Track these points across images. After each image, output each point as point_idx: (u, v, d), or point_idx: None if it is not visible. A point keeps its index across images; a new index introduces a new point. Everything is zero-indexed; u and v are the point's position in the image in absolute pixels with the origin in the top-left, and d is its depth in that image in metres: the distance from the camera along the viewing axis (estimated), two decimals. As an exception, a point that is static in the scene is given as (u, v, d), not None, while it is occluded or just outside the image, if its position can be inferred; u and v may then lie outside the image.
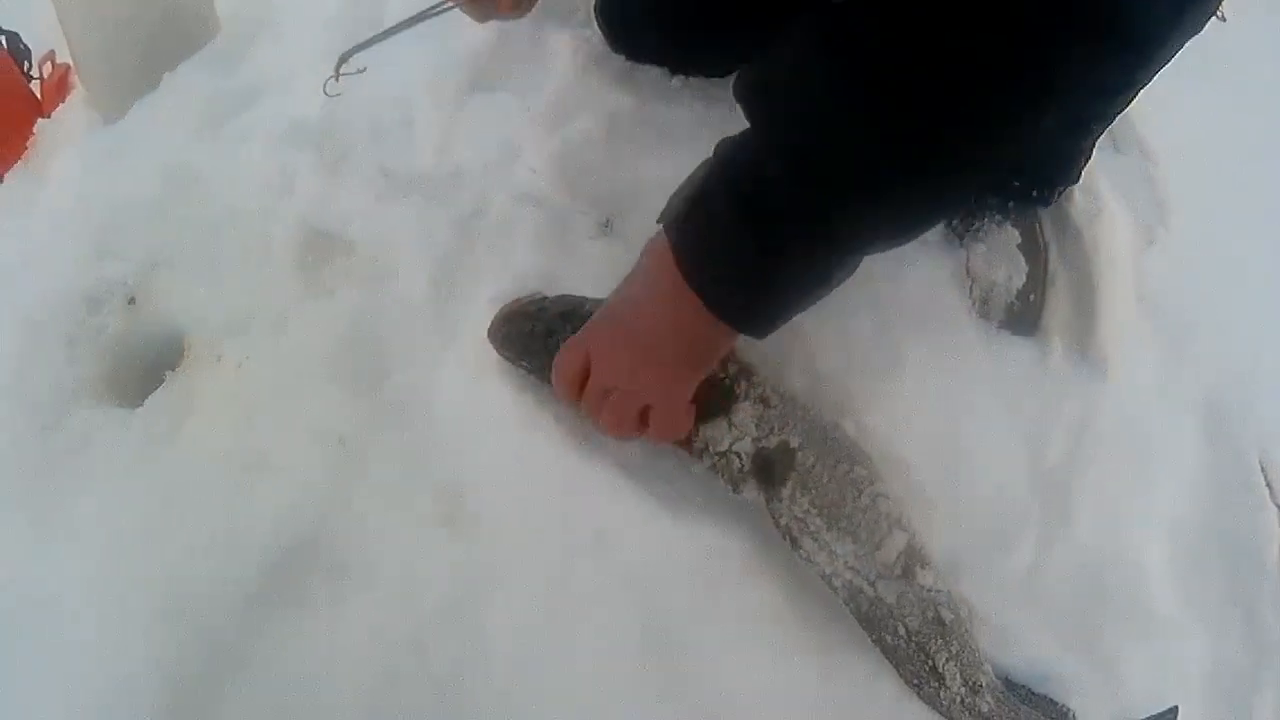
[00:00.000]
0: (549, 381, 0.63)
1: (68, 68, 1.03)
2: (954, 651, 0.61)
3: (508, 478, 0.63)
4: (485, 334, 0.65)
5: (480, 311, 0.66)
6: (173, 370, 0.80)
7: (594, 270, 0.67)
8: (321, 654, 0.66)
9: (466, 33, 0.78)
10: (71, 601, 0.71)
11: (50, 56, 1.04)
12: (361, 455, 0.67)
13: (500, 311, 0.66)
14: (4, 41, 1.02)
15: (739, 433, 0.63)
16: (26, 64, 1.03)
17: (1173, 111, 0.86)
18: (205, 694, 0.66)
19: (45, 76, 1.03)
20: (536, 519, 0.63)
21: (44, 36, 1.04)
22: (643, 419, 0.59)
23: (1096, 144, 0.76)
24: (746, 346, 0.65)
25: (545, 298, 0.66)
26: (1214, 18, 0.61)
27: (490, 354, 0.65)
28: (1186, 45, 0.59)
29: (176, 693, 0.66)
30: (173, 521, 0.72)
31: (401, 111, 0.77)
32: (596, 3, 0.84)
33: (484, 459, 0.64)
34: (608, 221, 0.69)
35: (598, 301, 0.61)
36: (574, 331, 0.61)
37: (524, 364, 0.66)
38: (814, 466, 0.62)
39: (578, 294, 0.65)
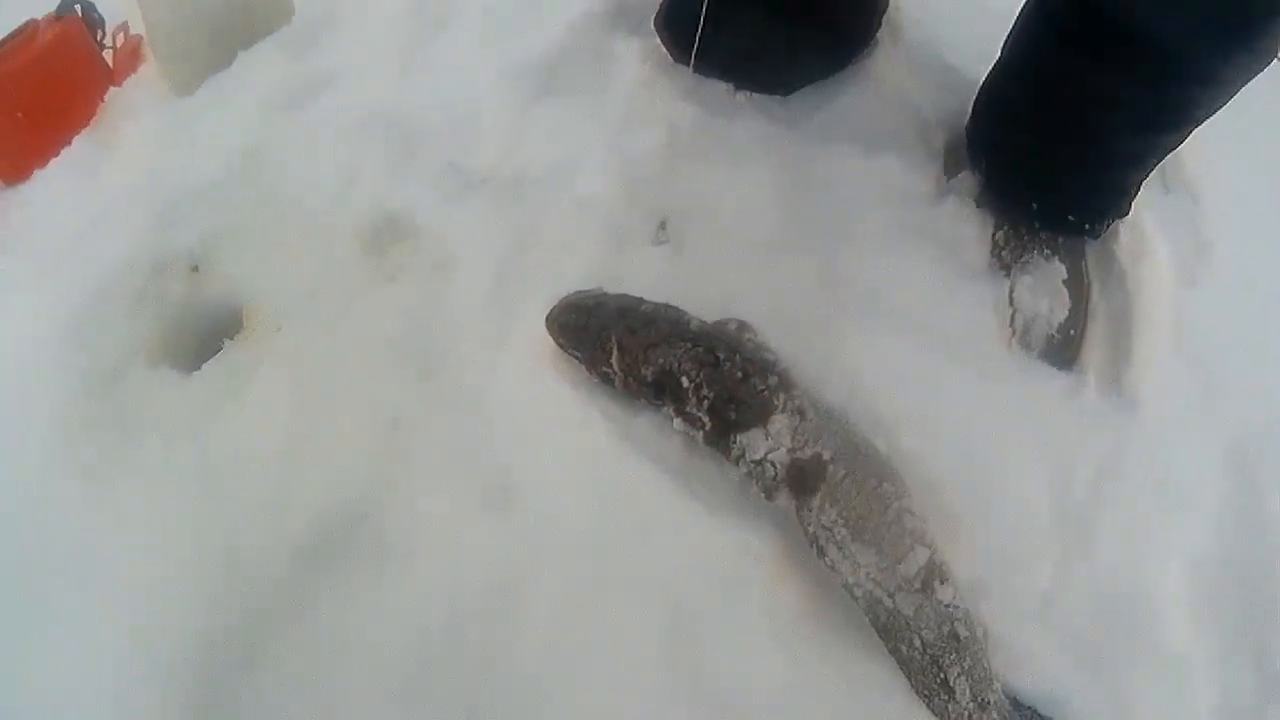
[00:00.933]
0: (599, 373, 0.69)
1: (139, 40, 1.10)
2: (966, 667, 0.66)
3: (554, 469, 0.69)
4: (544, 322, 0.70)
5: (539, 307, 0.71)
6: (231, 339, 0.87)
7: (650, 274, 0.72)
8: (359, 624, 0.72)
9: (537, 38, 0.83)
10: (118, 552, 0.77)
11: (123, 28, 1.11)
12: (413, 436, 0.72)
13: (562, 300, 0.71)
14: (79, 9, 1.09)
15: (775, 442, 0.68)
16: (100, 33, 1.10)
17: (1222, 155, 0.89)
18: (243, 651, 0.72)
19: (117, 46, 1.10)
20: (578, 510, 0.69)
21: (118, 7, 1.11)
22: None
23: (1146, 180, 0.80)
24: (789, 360, 0.70)
25: (605, 293, 0.71)
26: (1276, 60, 0.65)
27: (546, 349, 0.70)
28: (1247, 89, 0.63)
29: (215, 647, 0.72)
30: (224, 484, 0.78)
31: (471, 111, 0.83)
32: (658, 18, 0.88)
33: (532, 449, 0.69)
34: (663, 224, 0.74)
35: (654, 304, 0.66)
36: (627, 330, 0.66)
37: (577, 354, 0.71)
38: (844, 479, 0.67)
39: (635, 295, 0.70)
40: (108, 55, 1.10)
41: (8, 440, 0.83)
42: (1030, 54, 0.75)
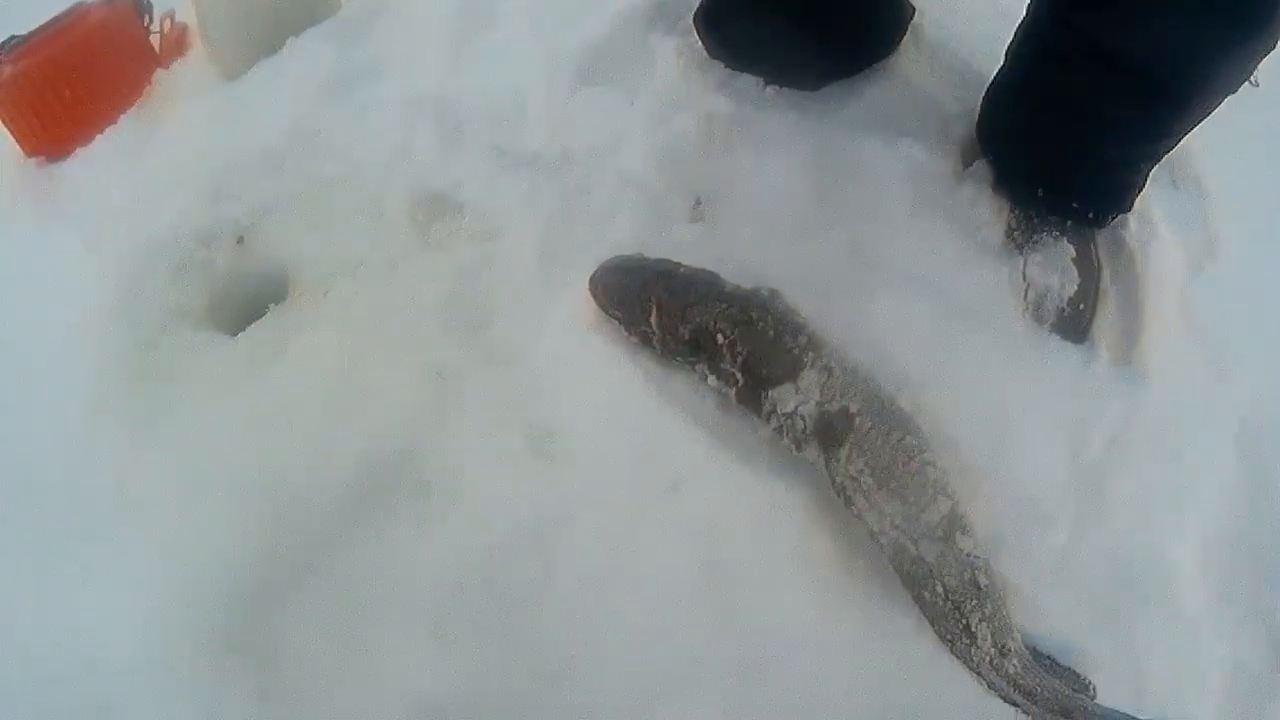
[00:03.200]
0: (637, 332, 0.78)
1: (185, 27, 1.22)
2: (987, 614, 0.75)
3: (594, 422, 0.78)
4: (586, 283, 0.80)
5: (581, 273, 0.82)
6: (277, 304, 0.97)
7: (686, 247, 0.83)
8: (398, 563, 0.81)
9: (581, 31, 0.95)
10: (160, 490, 0.87)
11: (170, 15, 1.23)
12: (459, 389, 0.82)
13: (603, 263, 0.82)
14: (129, -6, 1.22)
15: (804, 397, 0.77)
16: (147, 18, 1.22)
17: (1230, 153, 1.01)
18: (283, 586, 0.81)
19: (164, 32, 1.22)
20: (617, 461, 0.78)
21: (167, -4, 1.23)
22: None
23: (1152, 178, 0.92)
24: (817, 322, 0.80)
25: (645, 258, 0.81)
26: (1248, 83, 0.78)
27: (588, 310, 0.80)
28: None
29: (253, 582, 0.81)
30: (270, 432, 0.87)
31: (516, 97, 0.94)
32: (696, 13, 1.01)
33: (574, 403, 0.79)
34: (698, 202, 0.85)
35: (691, 268, 0.76)
36: (667, 291, 0.76)
37: (617, 314, 0.81)
38: (870, 431, 0.76)
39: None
40: (154, 40, 1.22)
41: (54, 389, 0.94)
42: (1025, 69, 0.88)
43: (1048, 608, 0.78)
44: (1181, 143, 0.90)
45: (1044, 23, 0.85)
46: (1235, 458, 0.89)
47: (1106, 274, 0.93)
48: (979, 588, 0.75)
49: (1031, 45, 0.87)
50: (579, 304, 0.83)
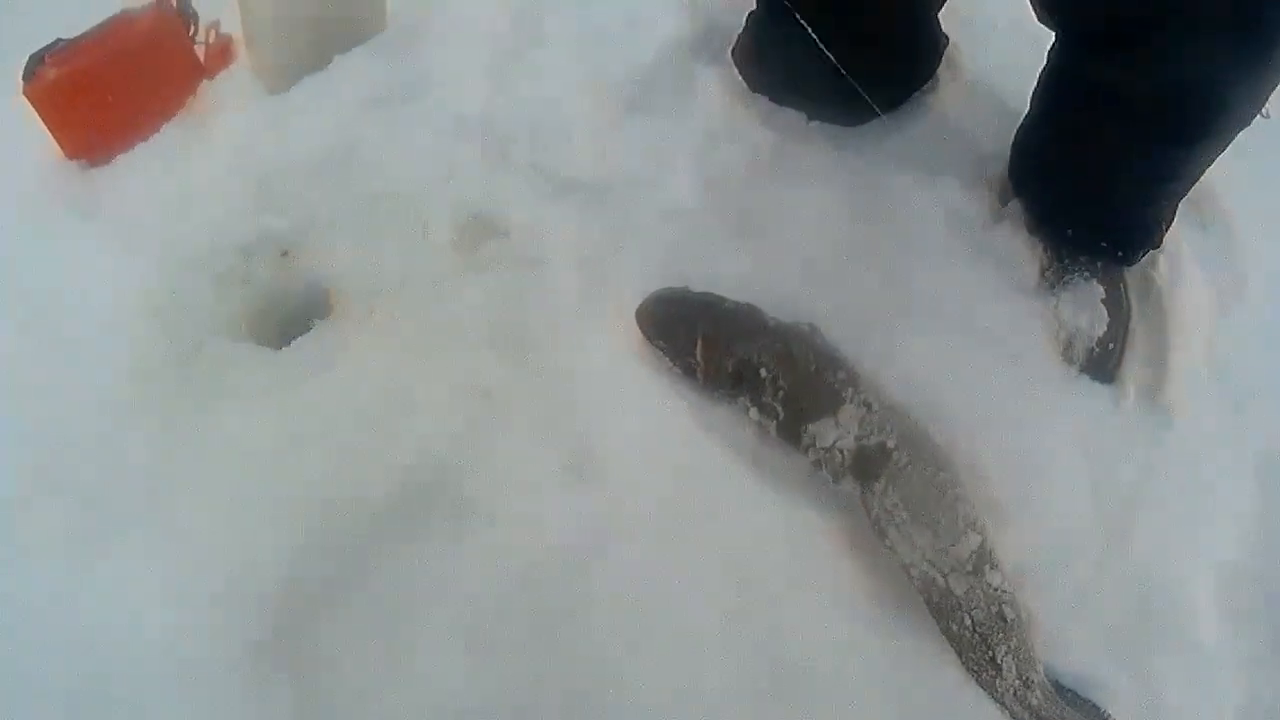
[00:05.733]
0: (682, 363, 0.85)
1: (230, 39, 1.29)
2: (1012, 646, 0.81)
3: (635, 447, 0.85)
4: (633, 314, 0.87)
5: (625, 301, 0.88)
6: (320, 320, 1.03)
7: (728, 277, 0.89)
8: (436, 577, 0.87)
9: (627, 58, 1.02)
10: (201, 502, 0.92)
11: (215, 25, 1.29)
12: (504, 409, 0.88)
13: (651, 295, 0.89)
14: (175, 4, 1.28)
15: (843, 431, 0.84)
16: (192, 28, 1.29)
17: (1257, 194, 1.08)
18: (320, 596, 0.86)
19: (209, 43, 1.28)
20: (656, 486, 0.85)
21: (210, 4, 1.30)
22: None
23: (1181, 217, 0.98)
24: (855, 357, 0.87)
25: (691, 291, 0.88)
26: (1260, 116, 0.85)
27: (632, 338, 0.87)
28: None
29: (292, 592, 0.86)
30: (311, 445, 0.93)
31: (562, 122, 1.01)
32: (734, 49, 1.08)
33: (616, 427, 0.85)
34: (740, 230, 0.92)
35: (735, 302, 0.83)
36: (713, 323, 0.83)
37: (661, 344, 0.88)
38: (906, 467, 0.83)
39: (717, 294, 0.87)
40: (199, 50, 1.28)
41: (92, 388, 0.99)
42: (1046, 113, 0.95)
43: (1070, 640, 0.84)
44: (1209, 181, 0.97)
45: (1062, 69, 0.92)
46: (1256, 496, 0.95)
47: (1135, 313, 1.00)
48: (1005, 621, 0.82)
49: (1051, 90, 0.95)
50: (622, 330, 0.89)
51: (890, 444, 0.83)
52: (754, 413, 0.87)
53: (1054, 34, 0.91)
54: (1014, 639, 0.81)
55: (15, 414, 1.01)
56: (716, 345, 0.86)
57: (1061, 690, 0.83)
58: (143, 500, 0.93)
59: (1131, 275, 1.00)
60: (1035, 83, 0.96)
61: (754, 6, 1.06)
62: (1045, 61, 0.94)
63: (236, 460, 0.94)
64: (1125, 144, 0.88)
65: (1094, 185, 0.94)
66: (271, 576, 0.87)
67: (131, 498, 0.94)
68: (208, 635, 0.84)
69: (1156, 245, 0.99)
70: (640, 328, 0.89)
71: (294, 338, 1.04)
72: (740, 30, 1.09)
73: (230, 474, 0.93)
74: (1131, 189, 0.93)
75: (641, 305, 0.89)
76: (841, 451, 0.84)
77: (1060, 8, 0.86)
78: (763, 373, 0.85)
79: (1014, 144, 1.02)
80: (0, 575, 0.89)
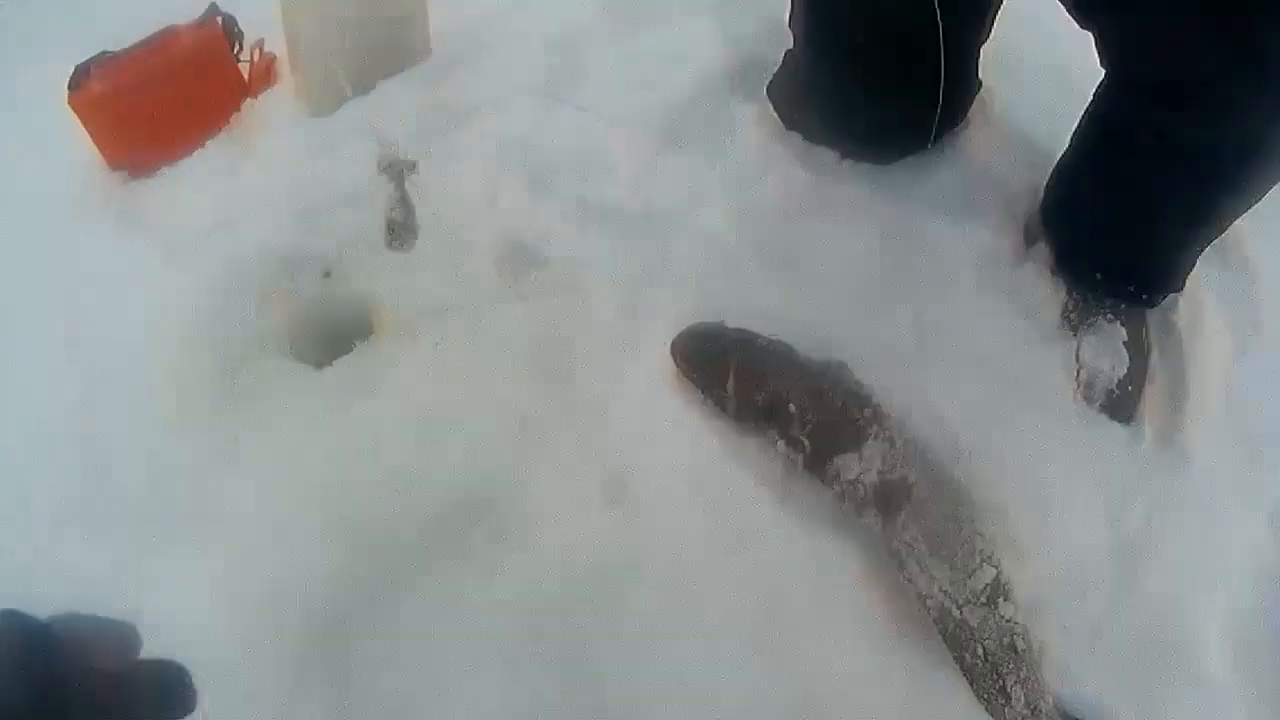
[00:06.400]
0: (714, 396, 0.90)
1: (274, 58, 1.34)
2: (1022, 677, 0.86)
3: (667, 475, 0.90)
4: (669, 346, 0.92)
5: (661, 332, 0.93)
6: (362, 340, 1.08)
7: (762, 312, 0.94)
8: (473, 597, 0.92)
9: (666, 92, 1.07)
10: (243, 513, 0.98)
11: (259, 45, 1.35)
12: (541, 436, 0.94)
13: (686, 329, 0.94)
14: (220, 21, 1.34)
15: (866, 466, 0.89)
16: (237, 46, 1.34)
17: (1278, 236, 1.11)
18: (359, 611, 0.92)
19: (253, 61, 1.34)
20: (686, 513, 0.90)
21: (255, 24, 1.35)
22: None
23: (1203, 258, 1.02)
24: (882, 395, 0.91)
25: (725, 326, 0.93)
26: None
27: (667, 370, 0.92)
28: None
29: (332, 606, 0.92)
30: (353, 464, 0.99)
31: (601, 154, 1.06)
32: (770, 86, 1.12)
33: (649, 456, 0.91)
34: (774, 265, 0.96)
35: (767, 339, 0.87)
36: (745, 358, 0.87)
37: (694, 376, 0.93)
38: (926, 501, 0.88)
39: (751, 330, 0.92)
40: (243, 69, 1.34)
41: (137, 397, 1.04)
42: (1089, 157, 0.98)
43: (1080, 672, 0.89)
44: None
45: (1113, 114, 0.95)
46: (1269, 537, 0.99)
47: (1155, 354, 1.04)
48: (1016, 651, 0.87)
49: (1096, 133, 0.98)
50: (658, 361, 0.94)
51: (911, 479, 0.88)
52: (782, 445, 0.92)
53: (1102, 77, 0.93)
54: (1024, 669, 0.86)
55: (62, 424, 1.06)
56: (748, 380, 0.91)
57: (1068, 718, 0.88)
58: (186, 514, 0.99)
59: (1152, 316, 1.04)
60: (1070, 123, 0.99)
61: (791, 44, 1.10)
62: (1091, 104, 0.96)
63: (279, 476, 0.99)
64: (1171, 190, 0.91)
65: (1131, 229, 0.98)
66: (313, 592, 0.92)
67: (176, 511, 1.00)
68: (250, 647, 0.90)
69: (1179, 288, 1.03)
70: (675, 360, 0.94)
71: (335, 357, 1.10)
72: (777, 67, 1.14)
73: (273, 491, 0.99)
74: (1169, 234, 0.97)
75: (677, 338, 0.94)
76: (864, 485, 0.88)
77: (1127, 56, 0.88)
78: (791, 408, 0.90)
79: (1049, 185, 1.06)
80: (47, 585, 0.95)
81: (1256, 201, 0.93)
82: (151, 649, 0.93)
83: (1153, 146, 0.90)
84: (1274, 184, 0.90)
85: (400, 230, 1.06)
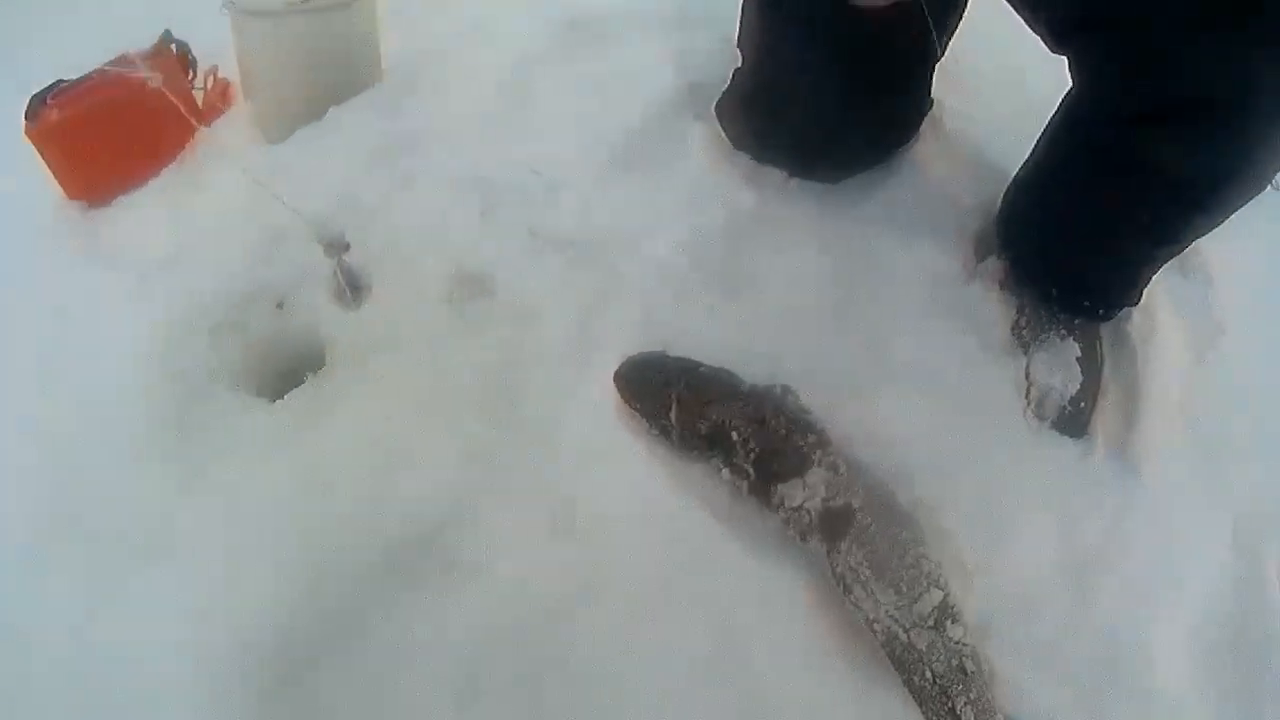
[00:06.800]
0: (658, 425, 0.91)
1: (228, 84, 1.35)
2: (972, 698, 0.87)
3: (615, 505, 0.91)
4: (612, 377, 0.92)
5: (609, 361, 0.94)
6: (314, 373, 1.09)
7: (708, 336, 0.95)
8: (427, 630, 0.93)
9: (614, 116, 1.07)
10: (207, 545, 0.99)
11: (214, 71, 1.35)
12: (491, 466, 0.95)
13: (628, 359, 0.94)
14: (174, 48, 1.34)
15: (810, 493, 0.90)
16: (191, 73, 1.35)
17: (1239, 243, 1.11)
18: (313, 652, 0.93)
19: (208, 88, 1.34)
20: (634, 542, 0.90)
21: (209, 50, 1.35)
22: None
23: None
24: (826, 419, 0.92)
25: (667, 355, 0.94)
26: (1270, 188, 0.87)
27: (613, 399, 0.93)
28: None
29: (287, 647, 0.93)
30: (308, 498, 1.00)
31: (551, 179, 1.06)
32: (718, 104, 1.12)
33: (597, 486, 0.91)
34: (721, 289, 0.96)
35: (710, 367, 0.88)
36: (688, 387, 0.88)
37: (639, 406, 0.94)
38: (870, 526, 0.88)
39: (695, 358, 0.92)
40: (197, 95, 1.34)
41: (102, 427, 1.05)
42: (1054, 169, 0.97)
43: (1032, 691, 0.89)
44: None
45: (1085, 132, 0.93)
46: (1222, 547, 0.99)
47: (1108, 367, 1.04)
48: (966, 673, 0.87)
49: (1064, 149, 0.96)
50: (606, 391, 0.95)
51: (855, 504, 0.88)
52: (726, 473, 0.92)
53: (1070, 92, 0.92)
54: (974, 690, 0.87)
55: (26, 453, 1.08)
56: (690, 409, 0.92)
57: (1020, 739, 0.89)
58: (148, 548, 1.00)
59: (1105, 328, 1.04)
60: (1022, 137, 0.99)
61: (739, 62, 1.10)
62: (1059, 117, 0.96)
63: (236, 513, 1.00)
64: (1142, 209, 0.91)
65: (1095, 245, 0.97)
66: (274, 622, 0.93)
67: (138, 545, 1.01)
68: (214, 682, 0.91)
69: (1136, 302, 1.03)
70: (618, 391, 0.94)
71: (288, 389, 1.10)
72: (725, 85, 1.13)
73: (236, 521, 1.00)
74: (1134, 251, 0.96)
75: (619, 368, 0.95)
76: (809, 512, 0.89)
77: (1104, 78, 0.87)
78: (734, 435, 0.90)
79: (1006, 197, 1.06)
80: (15, 620, 0.97)
81: (1221, 223, 0.92)
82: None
83: (1126, 165, 0.89)
84: (1246, 203, 0.89)
85: (348, 296, 1.09)
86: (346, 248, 1.06)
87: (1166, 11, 0.76)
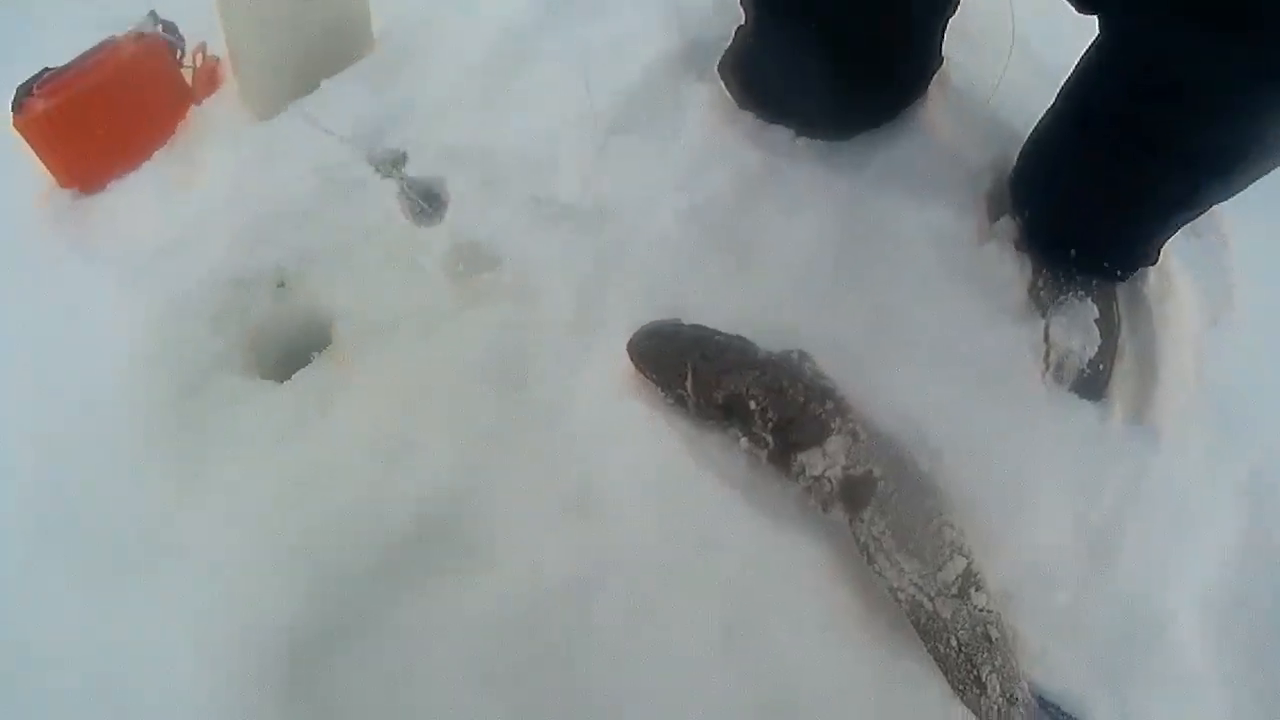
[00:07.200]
0: (673, 395, 0.90)
1: (218, 61, 1.32)
2: (997, 665, 0.86)
3: (629, 479, 0.90)
4: (625, 347, 0.92)
5: (618, 333, 0.92)
6: (318, 354, 1.07)
7: (719, 304, 0.93)
8: (442, 616, 0.92)
9: (613, 80, 1.05)
10: (211, 542, 0.97)
11: (202, 48, 1.32)
12: (501, 448, 0.93)
13: (642, 328, 0.93)
14: (160, 29, 1.31)
15: (831, 461, 0.88)
16: (179, 53, 1.32)
17: (1256, 204, 1.09)
18: (327, 645, 0.92)
19: (196, 67, 1.31)
20: (651, 517, 0.89)
21: (196, 28, 1.32)
22: None
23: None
24: (845, 387, 0.91)
25: (682, 324, 0.92)
26: None
27: (624, 371, 0.91)
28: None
29: (299, 643, 0.92)
30: (316, 486, 0.98)
31: (550, 147, 1.04)
32: (722, 62, 1.10)
33: (610, 461, 0.90)
34: (730, 255, 0.95)
35: (725, 335, 0.86)
36: (703, 356, 0.87)
37: (654, 377, 0.92)
38: (892, 494, 0.87)
39: (709, 325, 0.91)
40: (186, 75, 1.31)
41: (100, 423, 1.03)
42: (1073, 131, 0.95)
43: (1054, 659, 0.89)
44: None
45: (1106, 98, 0.91)
46: (1242, 513, 0.99)
47: (1124, 329, 1.03)
48: (990, 641, 0.87)
49: (1084, 111, 0.94)
50: (615, 363, 0.93)
51: (876, 473, 0.88)
52: (745, 443, 0.91)
53: (1092, 51, 0.90)
54: (998, 658, 0.86)
55: (23, 453, 1.05)
56: (706, 378, 0.90)
57: (1045, 705, 0.88)
58: (153, 547, 0.98)
59: (1121, 289, 1.03)
60: (1032, 95, 0.97)
61: (742, 20, 1.08)
62: (1078, 77, 0.93)
63: (245, 501, 0.99)
64: (1163, 176, 0.90)
65: (1113, 208, 0.96)
66: (286, 617, 0.92)
67: (143, 544, 0.99)
68: (227, 678, 0.90)
69: (1154, 261, 1.02)
70: (632, 361, 0.93)
71: (294, 369, 1.08)
72: (728, 43, 1.11)
73: (240, 518, 0.98)
74: (1153, 214, 0.95)
75: (633, 339, 0.93)
76: (830, 480, 0.88)
77: (1131, 46, 0.85)
78: (752, 405, 0.89)
79: (1023, 155, 1.04)
80: (18, 625, 0.95)
81: (1240, 190, 0.90)
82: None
83: (1149, 134, 0.87)
84: (1266, 174, 0.88)
85: (423, 210, 1.05)
86: (404, 159, 1.03)
87: None
